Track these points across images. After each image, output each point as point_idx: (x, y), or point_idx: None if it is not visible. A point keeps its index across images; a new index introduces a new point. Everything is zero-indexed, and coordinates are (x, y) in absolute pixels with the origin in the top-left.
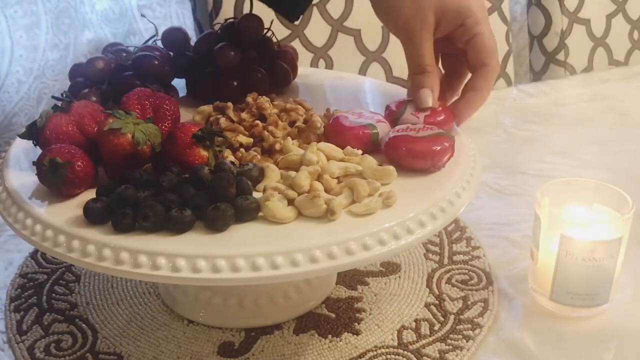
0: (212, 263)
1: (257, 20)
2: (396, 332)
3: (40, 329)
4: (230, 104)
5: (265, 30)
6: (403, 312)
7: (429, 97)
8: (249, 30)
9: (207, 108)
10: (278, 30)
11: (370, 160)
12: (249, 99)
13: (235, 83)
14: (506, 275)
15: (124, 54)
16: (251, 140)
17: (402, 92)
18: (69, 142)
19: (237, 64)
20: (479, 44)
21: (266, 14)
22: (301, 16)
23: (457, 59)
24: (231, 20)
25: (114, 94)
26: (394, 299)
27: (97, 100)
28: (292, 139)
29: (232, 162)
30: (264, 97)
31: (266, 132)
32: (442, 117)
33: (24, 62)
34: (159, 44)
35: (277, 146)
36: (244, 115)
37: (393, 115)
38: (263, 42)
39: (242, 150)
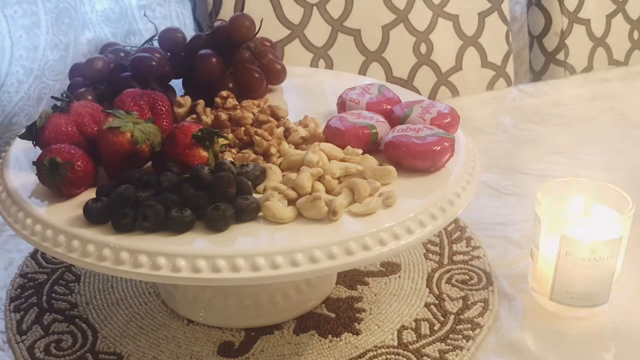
0: (212, 263)
1: (248, 21)
2: (396, 332)
3: (40, 328)
4: (201, 101)
5: (257, 31)
6: (403, 312)
7: None
8: (238, 33)
9: (188, 100)
10: (278, 30)
11: (371, 160)
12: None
13: (230, 85)
14: (506, 275)
15: (122, 54)
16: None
17: (402, 92)
18: (68, 142)
19: (218, 72)
20: None
21: (258, 14)
22: None
23: None
24: (220, 22)
25: (113, 93)
26: (394, 299)
27: (93, 99)
28: (296, 147)
29: (232, 162)
30: (249, 113)
31: (257, 137)
32: (448, 120)
33: (24, 62)
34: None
35: (272, 150)
36: (238, 113)
37: (396, 115)
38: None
39: (233, 150)
